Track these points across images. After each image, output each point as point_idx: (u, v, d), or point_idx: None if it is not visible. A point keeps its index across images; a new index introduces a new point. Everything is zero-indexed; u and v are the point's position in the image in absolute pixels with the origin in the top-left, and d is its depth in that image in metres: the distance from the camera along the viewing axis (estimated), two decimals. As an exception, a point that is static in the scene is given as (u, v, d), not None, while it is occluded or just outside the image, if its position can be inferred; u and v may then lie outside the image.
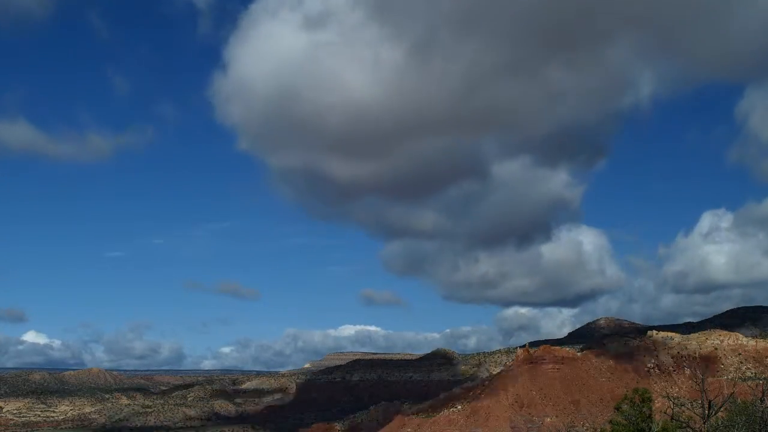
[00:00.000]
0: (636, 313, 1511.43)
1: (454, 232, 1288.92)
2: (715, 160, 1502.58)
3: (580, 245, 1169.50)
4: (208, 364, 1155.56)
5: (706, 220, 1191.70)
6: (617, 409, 70.33)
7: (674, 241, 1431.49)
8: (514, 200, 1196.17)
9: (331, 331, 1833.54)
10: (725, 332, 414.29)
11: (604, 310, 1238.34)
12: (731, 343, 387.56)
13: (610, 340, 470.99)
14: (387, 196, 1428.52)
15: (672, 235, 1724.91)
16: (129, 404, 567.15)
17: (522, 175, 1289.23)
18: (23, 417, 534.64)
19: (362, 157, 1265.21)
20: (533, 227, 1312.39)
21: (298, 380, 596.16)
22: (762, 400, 65.08)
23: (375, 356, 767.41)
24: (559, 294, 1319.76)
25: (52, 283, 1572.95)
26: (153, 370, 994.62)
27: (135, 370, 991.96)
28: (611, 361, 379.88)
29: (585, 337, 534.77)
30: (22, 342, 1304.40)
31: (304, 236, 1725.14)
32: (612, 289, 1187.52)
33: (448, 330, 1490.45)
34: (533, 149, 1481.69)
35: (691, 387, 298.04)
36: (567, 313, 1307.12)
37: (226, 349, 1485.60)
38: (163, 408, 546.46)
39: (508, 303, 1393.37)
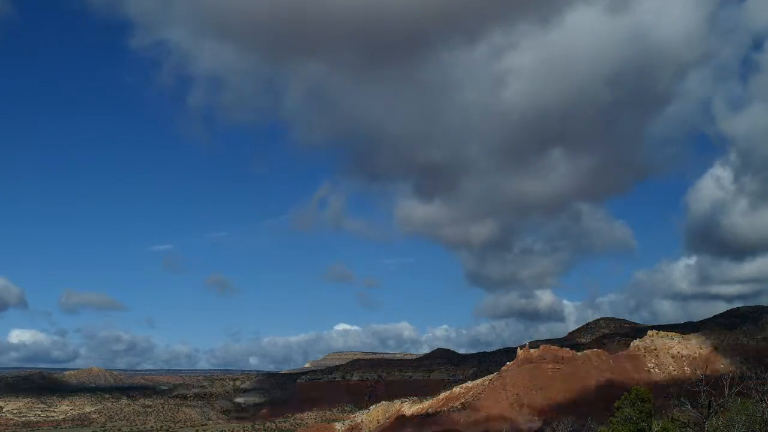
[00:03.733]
0: (636, 313, 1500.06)
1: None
2: None
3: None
4: (208, 364, 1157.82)
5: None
6: (617, 409, 70.48)
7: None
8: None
9: (331, 330, 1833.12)
10: (725, 332, 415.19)
11: (604, 309, 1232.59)
12: (731, 343, 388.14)
13: (610, 340, 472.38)
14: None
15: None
16: (129, 404, 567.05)
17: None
18: (23, 417, 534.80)
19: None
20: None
21: (298, 380, 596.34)
22: (762, 400, 65.15)
23: (375, 356, 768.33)
24: (562, 289, 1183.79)
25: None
26: (153, 370, 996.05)
27: (135, 370, 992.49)
28: (611, 361, 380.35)
29: (585, 336, 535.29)
30: (15, 340, 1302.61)
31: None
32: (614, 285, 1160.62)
33: (450, 326, 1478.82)
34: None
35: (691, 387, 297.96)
36: (568, 308, 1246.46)
37: (226, 348, 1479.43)
38: (163, 408, 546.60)
39: (505, 293, 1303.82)
